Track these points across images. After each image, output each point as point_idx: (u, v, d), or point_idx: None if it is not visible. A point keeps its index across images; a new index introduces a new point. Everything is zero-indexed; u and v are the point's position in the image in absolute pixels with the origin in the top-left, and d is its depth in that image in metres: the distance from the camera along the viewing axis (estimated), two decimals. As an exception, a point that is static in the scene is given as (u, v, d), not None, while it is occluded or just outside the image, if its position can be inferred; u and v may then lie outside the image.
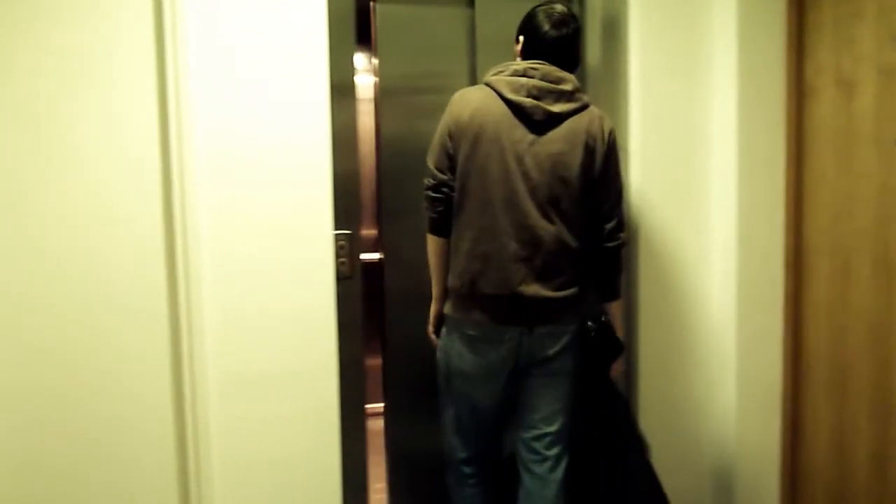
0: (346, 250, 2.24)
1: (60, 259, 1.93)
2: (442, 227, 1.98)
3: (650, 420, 2.44)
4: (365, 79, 4.17)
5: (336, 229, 2.16)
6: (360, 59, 4.11)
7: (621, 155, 2.36)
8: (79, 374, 1.96)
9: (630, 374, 2.45)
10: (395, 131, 2.39)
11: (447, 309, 2.00)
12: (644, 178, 2.37)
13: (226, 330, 2.06)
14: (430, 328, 2.13)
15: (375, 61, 2.37)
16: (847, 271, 2.19)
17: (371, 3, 2.33)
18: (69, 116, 1.90)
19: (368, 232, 4.20)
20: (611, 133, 1.97)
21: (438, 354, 2.06)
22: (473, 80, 2.38)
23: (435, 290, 2.08)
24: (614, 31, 2.38)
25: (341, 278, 2.20)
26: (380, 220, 2.44)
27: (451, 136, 1.92)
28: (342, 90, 2.18)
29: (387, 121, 2.39)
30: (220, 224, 2.04)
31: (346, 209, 2.20)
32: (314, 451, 2.16)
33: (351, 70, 2.22)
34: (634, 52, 2.35)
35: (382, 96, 2.38)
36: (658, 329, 2.43)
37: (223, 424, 2.08)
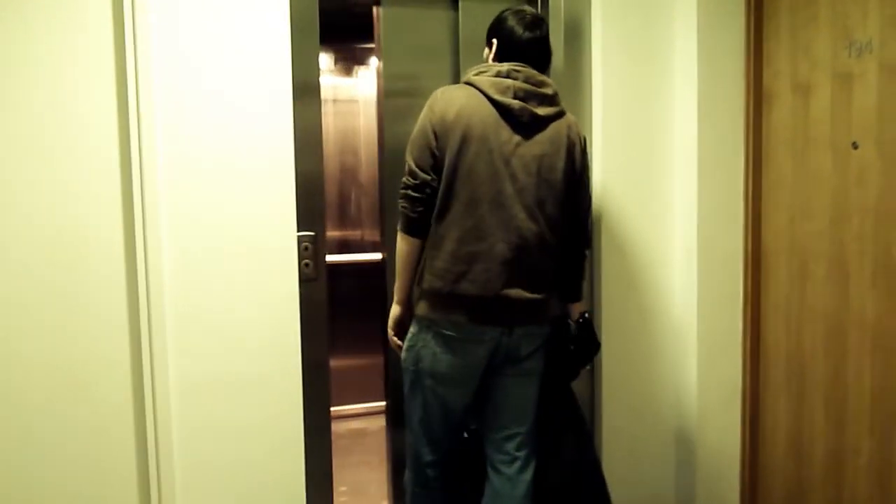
0: (311, 252, 2.22)
1: (20, 261, 1.89)
2: (419, 227, 1.93)
3: (612, 419, 2.46)
4: (330, 79, 4.17)
5: (300, 230, 2.14)
6: (325, 60, 4.09)
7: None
8: (38, 377, 1.92)
9: (593, 374, 2.47)
10: (397, 131, 2.37)
11: (421, 310, 1.94)
12: (606, 180, 2.39)
13: (187, 333, 2.03)
14: (392, 332, 2.07)
15: (379, 64, 2.42)
16: (804, 272, 2.23)
17: (374, 8, 2.37)
18: (29, 119, 1.87)
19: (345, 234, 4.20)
20: (584, 139, 2.02)
21: (405, 356, 1.99)
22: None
23: (400, 294, 2.02)
24: (577, 34, 2.40)
25: (305, 280, 2.18)
26: (382, 220, 2.42)
27: (436, 134, 1.87)
28: (307, 91, 2.17)
29: (389, 121, 2.40)
30: (182, 225, 2.01)
31: (310, 210, 2.19)
32: (278, 454, 2.14)
33: (315, 71, 2.20)
34: (597, 56, 2.37)
35: (386, 97, 2.41)
36: (620, 329, 2.45)
37: (185, 428, 2.04)
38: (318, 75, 2.21)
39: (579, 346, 2.06)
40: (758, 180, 2.39)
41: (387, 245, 2.39)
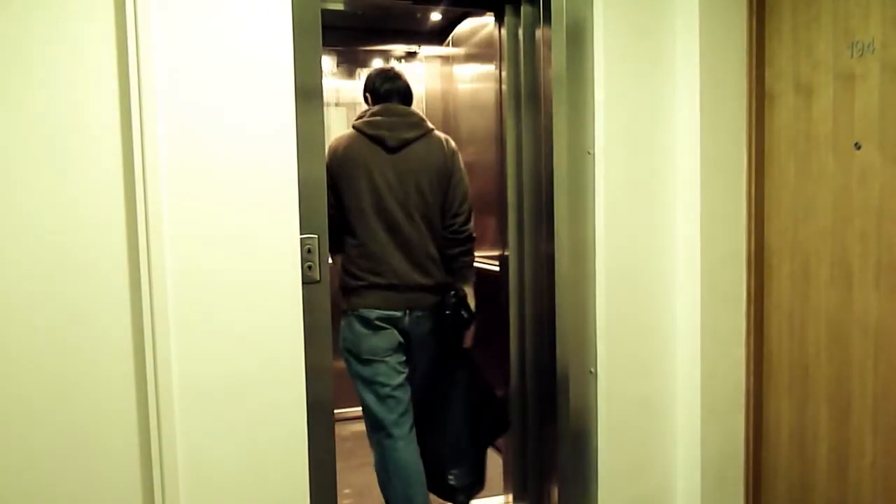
0: (313, 254, 2.22)
1: (22, 265, 1.89)
2: (333, 247, 2.37)
3: (614, 420, 2.46)
4: (332, 82, 4.17)
5: (302, 233, 2.15)
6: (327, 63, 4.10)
7: (586, 158, 2.40)
8: (40, 383, 1.92)
9: (595, 375, 2.46)
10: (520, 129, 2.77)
11: (345, 304, 2.47)
12: (608, 182, 2.39)
13: (190, 336, 2.03)
14: None
15: (502, 74, 2.87)
16: (807, 272, 2.23)
17: (498, 27, 2.83)
18: (31, 123, 1.87)
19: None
20: (454, 147, 2.57)
21: (342, 344, 2.48)
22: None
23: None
24: (579, 37, 2.40)
25: (308, 283, 2.18)
26: None
27: (331, 173, 2.35)
28: (309, 94, 2.17)
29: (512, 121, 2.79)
30: (184, 228, 2.01)
31: (312, 213, 2.19)
32: (281, 457, 2.14)
33: (318, 74, 2.20)
34: (599, 59, 2.37)
35: (513, 99, 2.80)
36: (622, 331, 2.45)
37: (188, 432, 2.04)
38: (321, 78, 2.22)
39: (451, 315, 2.52)
40: (760, 181, 2.39)
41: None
